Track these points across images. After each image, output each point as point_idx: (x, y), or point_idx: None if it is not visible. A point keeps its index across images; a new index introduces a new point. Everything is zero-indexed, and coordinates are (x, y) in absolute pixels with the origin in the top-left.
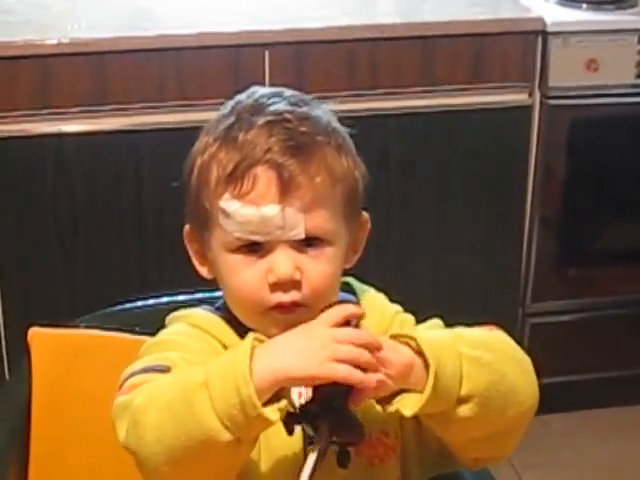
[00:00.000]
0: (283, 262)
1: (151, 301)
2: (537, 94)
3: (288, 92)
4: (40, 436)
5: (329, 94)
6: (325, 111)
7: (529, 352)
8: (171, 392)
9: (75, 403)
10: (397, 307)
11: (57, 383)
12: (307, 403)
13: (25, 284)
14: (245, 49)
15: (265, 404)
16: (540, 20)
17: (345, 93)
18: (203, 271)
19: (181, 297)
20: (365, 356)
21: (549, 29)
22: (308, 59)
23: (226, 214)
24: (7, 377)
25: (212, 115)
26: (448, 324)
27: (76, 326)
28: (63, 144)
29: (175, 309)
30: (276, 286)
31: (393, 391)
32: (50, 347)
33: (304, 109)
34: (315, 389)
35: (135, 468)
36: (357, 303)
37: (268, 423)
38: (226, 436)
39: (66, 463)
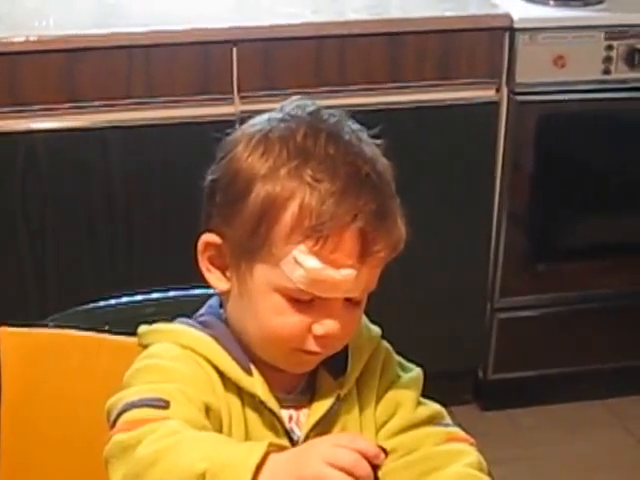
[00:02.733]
0: (334, 320)
1: (121, 299)
2: (505, 90)
3: (348, 122)
4: (10, 436)
5: (297, 91)
6: (371, 146)
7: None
8: (172, 467)
9: (45, 402)
10: (376, 329)
11: (27, 382)
12: None
13: None
14: (213, 46)
15: None
16: (507, 16)
17: (313, 90)
18: (213, 280)
19: (152, 295)
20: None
21: (516, 25)
22: (276, 56)
23: (298, 265)
24: None
25: (180, 112)
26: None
27: (46, 325)
28: (32, 141)
29: (146, 307)
30: (320, 338)
31: None
32: (20, 346)
33: (370, 153)
34: None
35: (103, 469)
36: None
37: None
38: None
39: (36, 463)
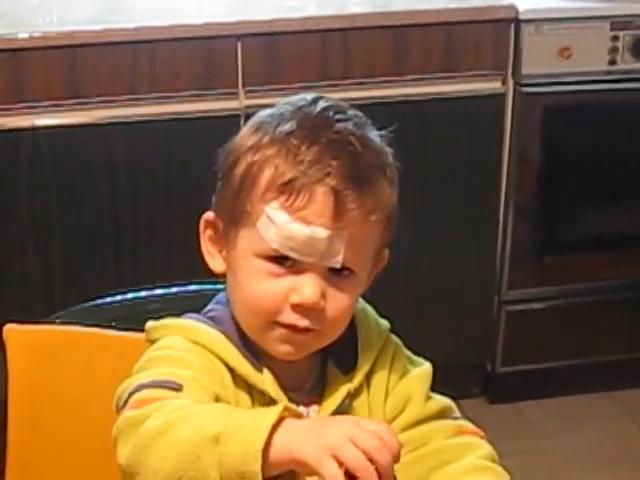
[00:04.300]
0: (312, 287)
1: (127, 295)
2: (510, 82)
3: (351, 110)
4: (17, 433)
5: (301, 84)
6: (378, 137)
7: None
8: (184, 432)
9: (52, 399)
10: (385, 322)
11: (34, 380)
12: None
13: None
14: (217, 40)
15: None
16: (512, 8)
17: (318, 83)
18: (212, 262)
19: (158, 291)
20: (368, 472)
21: (521, 16)
22: (280, 50)
23: (270, 222)
24: None
25: (185, 107)
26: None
27: (52, 322)
28: (37, 137)
29: (152, 303)
30: (297, 308)
31: None
32: (26, 344)
33: (367, 134)
34: None
35: (113, 466)
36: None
37: None
38: None
39: (43, 459)
